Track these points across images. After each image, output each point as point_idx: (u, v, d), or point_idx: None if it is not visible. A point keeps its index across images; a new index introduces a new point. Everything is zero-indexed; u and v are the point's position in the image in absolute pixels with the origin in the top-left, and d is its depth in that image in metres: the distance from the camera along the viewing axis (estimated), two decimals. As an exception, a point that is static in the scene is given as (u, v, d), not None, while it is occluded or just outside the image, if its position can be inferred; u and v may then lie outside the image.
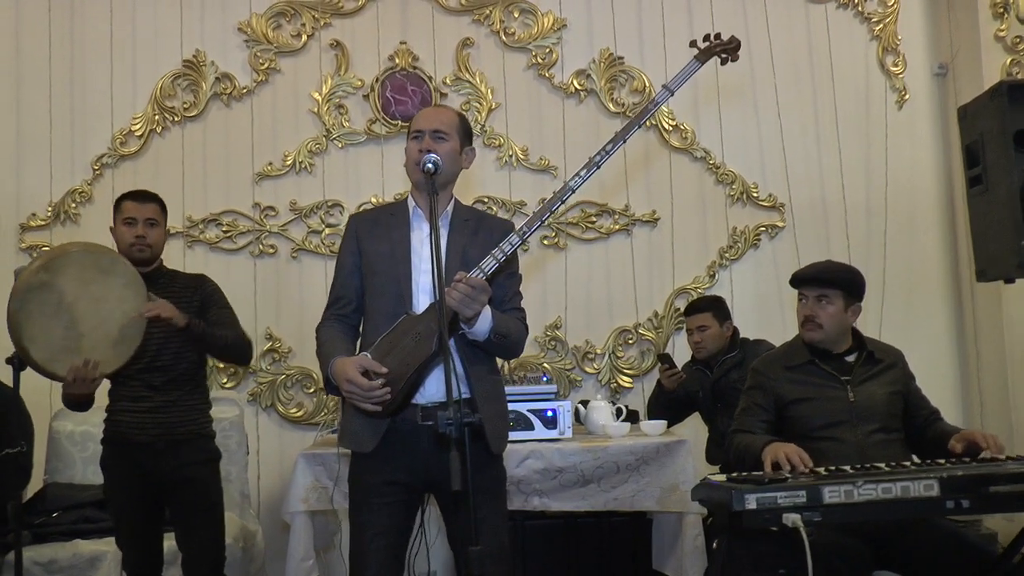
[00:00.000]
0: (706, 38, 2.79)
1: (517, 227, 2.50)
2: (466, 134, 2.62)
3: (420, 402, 2.43)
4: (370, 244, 2.55)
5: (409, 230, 2.55)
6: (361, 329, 2.60)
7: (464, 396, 2.43)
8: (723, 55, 2.80)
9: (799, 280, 3.06)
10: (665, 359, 4.14)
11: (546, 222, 4.49)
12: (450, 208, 2.58)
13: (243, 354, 3.23)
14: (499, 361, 3.96)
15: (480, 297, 2.33)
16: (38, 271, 2.72)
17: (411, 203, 2.60)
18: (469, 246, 2.52)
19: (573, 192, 2.54)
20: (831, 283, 3.00)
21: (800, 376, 2.99)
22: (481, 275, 2.36)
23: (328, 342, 2.52)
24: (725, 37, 2.81)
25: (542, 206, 2.51)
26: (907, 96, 4.88)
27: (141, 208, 3.14)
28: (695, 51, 2.76)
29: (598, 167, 2.55)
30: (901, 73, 4.89)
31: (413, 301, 2.46)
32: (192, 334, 3.00)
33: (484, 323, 2.38)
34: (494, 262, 2.40)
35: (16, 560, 2.94)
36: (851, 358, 3.03)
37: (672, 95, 2.67)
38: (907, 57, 4.90)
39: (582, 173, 2.53)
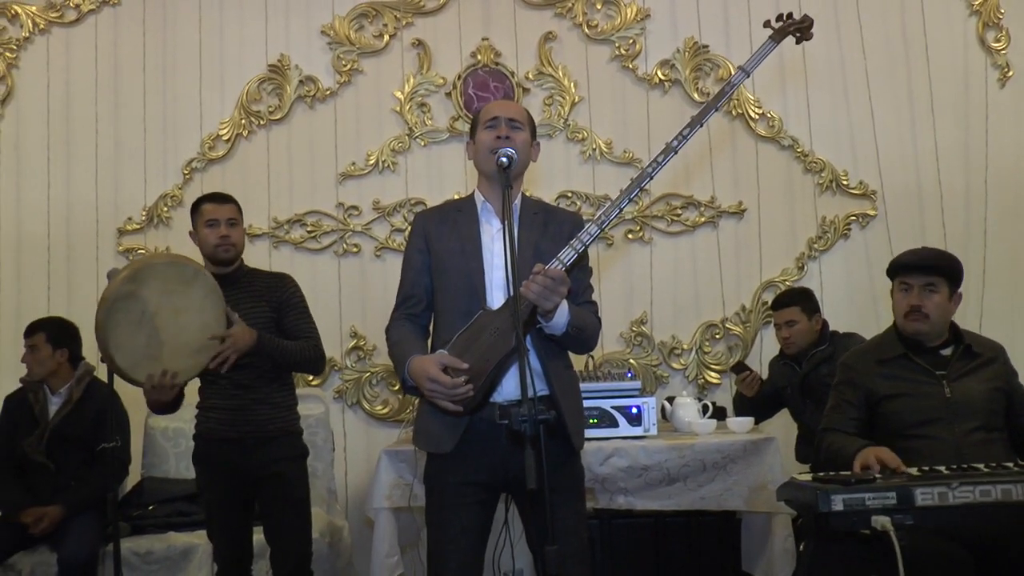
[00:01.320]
0: (779, 18, 2.74)
1: (593, 217, 2.46)
2: (533, 128, 2.61)
3: (498, 400, 2.40)
4: (439, 242, 2.53)
5: (478, 225, 2.52)
6: (432, 328, 2.59)
7: (542, 392, 2.40)
8: (797, 34, 2.74)
9: (903, 267, 2.91)
10: (739, 368, 4.04)
11: (626, 212, 4.53)
12: (518, 202, 2.54)
13: (313, 367, 3.29)
14: (582, 358, 3.99)
15: (560, 289, 2.29)
16: (124, 281, 2.81)
17: (479, 198, 2.57)
18: (540, 240, 2.48)
19: (651, 179, 2.49)
20: (938, 270, 2.86)
21: (893, 371, 2.86)
22: (560, 267, 2.33)
23: (401, 342, 2.51)
24: (798, 17, 2.75)
25: (620, 194, 2.45)
26: (1010, 73, 4.63)
27: (221, 209, 3.21)
28: (770, 31, 2.71)
29: (675, 152, 2.48)
30: (1004, 49, 4.65)
31: (487, 297, 2.43)
32: (261, 353, 3.06)
33: (562, 316, 2.34)
34: (573, 253, 2.36)
35: (115, 551, 3.05)
36: (947, 351, 2.87)
37: (748, 76, 2.63)
38: (1011, 31, 4.66)
39: (659, 159, 2.47)
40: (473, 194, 2.61)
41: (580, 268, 2.52)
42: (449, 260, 2.50)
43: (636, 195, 2.51)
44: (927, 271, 2.86)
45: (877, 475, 2.42)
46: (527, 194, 2.69)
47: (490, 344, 2.33)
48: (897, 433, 2.77)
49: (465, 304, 2.43)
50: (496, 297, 2.43)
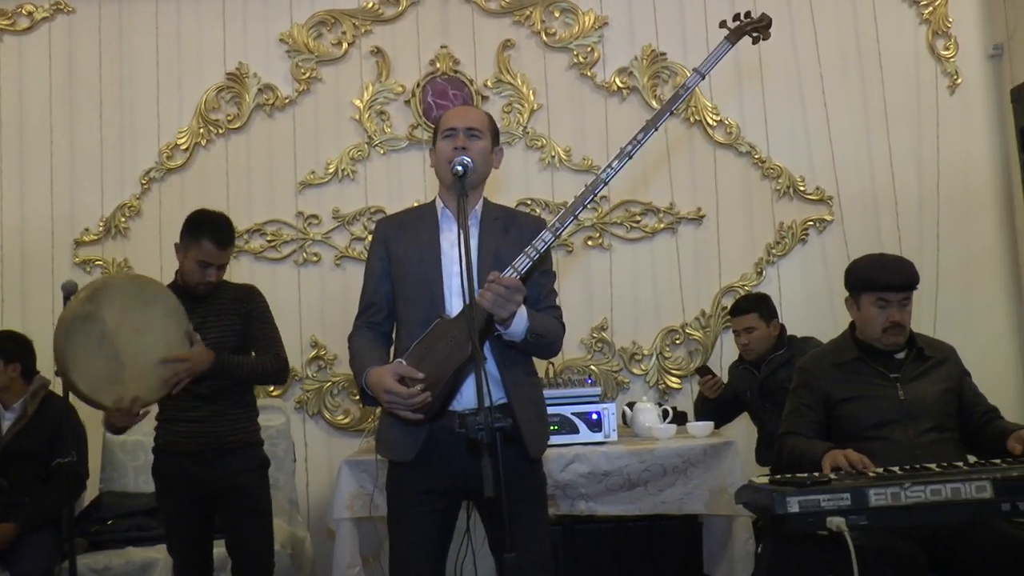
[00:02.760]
0: (736, 17, 2.71)
1: (549, 223, 2.45)
2: (495, 134, 2.59)
3: (457, 409, 2.39)
4: (399, 248, 2.52)
5: (439, 232, 2.51)
6: (395, 336, 2.58)
7: (500, 400, 2.38)
8: (754, 34, 2.71)
9: (888, 287, 2.87)
10: (703, 371, 4.08)
11: (586, 219, 4.55)
12: (479, 207, 2.54)
13: (274, 379, 3.28)
14: (543, 364, 4.00)
15: (515, 297, 2.28)
16: (83, 302, 2.76)
17: (439, 204, 2.56)
18: (501, 245, 2.47)
19: (606, 184, 2.48)
20: (914, 285, 2.90)
21: (848, 374, 2.90)
22: (515, 274, 2.32)
23: (361, 352, 2.49)
24: (756, 15, 2.71)
25: (575, 200, 2.45)
26: (959, 80, 4.73)
27: (219, 254, 3.11)
28: (725, 32, 2.68)
29: (630, 157, 2.48)
30: (952, 57, 4.74)
31: (446, 304, 2.42)
32: (219, 374, 3.01)
33: (520, 323, 2.33)
34: (527, 260, 2.35)
35: (70, 568, 3.01)
36: (901, 355, 2.92)
37: (703, 78, 2.61)
38: (959, 40, 4.75)
39: (614, 164, 2.46)
40: (434, 201, 2.60)
41: (542, 273, 2.52)
42: (409, 267, 2.49)
43: (591, 201, 2.51)
44: (909, 288, 2.89)
45: (832, 476, 2.45)
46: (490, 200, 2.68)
47: (447, 353, 2.32)
48: (853, 435, 2.81)
49: (424, 312, 2.42)
50: (455, 304, 2.42)
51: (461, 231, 2.25)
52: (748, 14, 2.72)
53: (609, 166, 2.47)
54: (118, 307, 2.80)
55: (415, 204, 4.54)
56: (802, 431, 2.89)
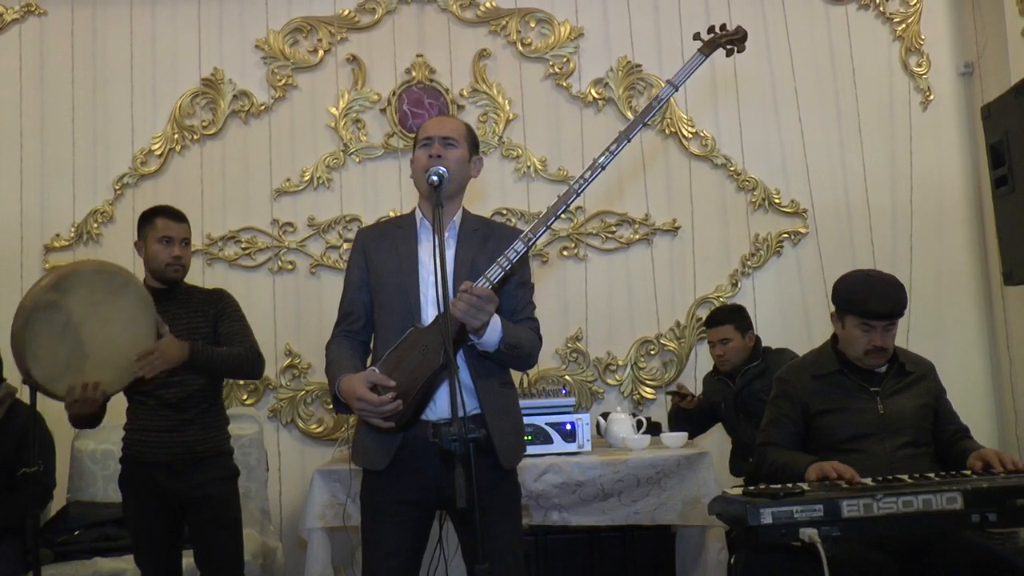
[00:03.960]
0: (710, 29, 2.71)
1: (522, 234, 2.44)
2: (473, 143, 2.59)
3: (431, 418, 2.38)
4: (378, 258, 2.52)
5: (416, 242, 2.51)
6: (372, 345, 2.57)
7: (473, 411, 2.37)
8: (728, 46, 2.71)
9: (875, 315, 2.84)
10: (676, 395, 4.09)
11: (561, 229, 4.56)
12: (458, 218, 2.54)
13: (251, 370, 3.17)
14: (517, 375, 3.99)
15: (486, 307, 2.27)
16: (47, 289, 2.69)
17: (418, 215, 2.56)
18: (478, 256, 2.47)
19: (578, 195, 2.48)
20: (901, 313, 2.89)
21: (828, 386, 2.91)
22: (487, 284, 2.32)
23: (336, 360, 2.48)
24: (732, 29, 2.72)
25: (547, 210, 2.45)
26: (931, 97, 4.79)
27: (177, 227, 3.13)
28: (699, 44, 2.68)
29: (603, 168, 2.48)
30: (925, 74, 4.81)
31: (422, 314, 2.42)
32: (194, 364, 2.96)
33: (493, 334, 2.33)
34: (499, 270, 2.35)
35: (35, 579, 2.95)
36: (881, 369, 2.94)
37: (676, 90, 2.60)
38: (931, 57, 4.82)
39: (587, 175, 2.46)
40: (414, 211, 2.60)
41: (519, 284, 2.52)
42: (386, 277, 2.49)
43: (564, 212, 2.51)
44: (893, 317, 2.87)
45: (806, 487, 2.46)
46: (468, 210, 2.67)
47: (419, 361, 2.31)
48: (831, 447, 2.82)
49: (400, 321, 2.42)
50: (430, 314, 2.41)
51: (437, 239, 2.24)
52: (724, 27, 2.72)
53: (582, 177, 2.46)
54: (85, 297, 2.73)
55: (391, 214, 4.58)
56: (781, 441, 2.89)
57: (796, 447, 2.88)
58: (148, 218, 3.15)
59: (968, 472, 2.60)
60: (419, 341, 2.34)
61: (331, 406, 4.44)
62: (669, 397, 4.19)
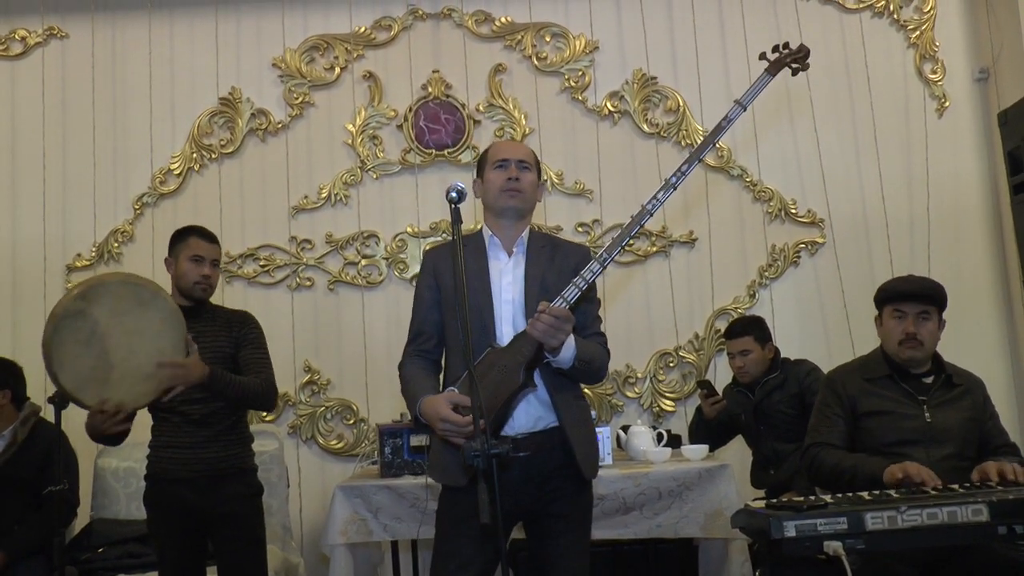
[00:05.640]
0: (775, 49, 2.75)
1: (596, 252, 2.51)
2: (539, 168, 2.67)
3: (509, 434, 2.43)
4: (448, 278, 2.54)
5: (487, 260, 2.55)
6: (444, 363, 2.60)
7: (552, 424, 2.46)
8: (794, 65, 2.75)
9: (899, 295, 2.96)
10: (705, 385, 4.07)
11: (572, 242, 4.53)
12: (526, 235, 2.59)
13: (263, 403, 3.18)
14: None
15: (565, 327, 2.33)
16: (75, 299, 2.73)
17: (487, 233, 2.60)
18: (547, 273, 2.52)
19: (651, 215, 2.52)
20: (931, 299, 2.93)
21: (878, 389, 2.92)
22: (565, 304, 2.36)
23: (412, 380, 2.52)
24: (794, 46, 2.75)
25: (621, 231, 2.49)
26: (947, 104, 4.78)
27: (209, 248, 3.18)
28: (765, 63, 2.71)
29: (675, 188, 2.54)
30: (940, 80, 4.80)
31: (496, 331, 2.46)
32: (211, 388, 2.97)
33: (568, 351, 2.38)
34: (576, 290, 2.40)
35: (61, 597, 2.97)
36: (929, 380, 2.94)
37: (745, 110, 2.63)
38: (946, 64, 4.81)
39: (659, 196, 2.51)
40: (481, 229, 2.63)
41: (588, 301, 2.56)
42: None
43: (637, 232, 2.54)
44: (922, 299, 2.92)
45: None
46: (536, 228, 2.72)
47: (498, 382, 2.37)
48: (874, 450, 2.82)
49: (474, 339, 2.42)
50: (504, 331, 2.46)
51: (453, 259, 2.27)
52: (787, 45, 2.75)
53: (654, 198, 2.51)
54: (111, 307, 2.76)
55: (409, 229, 4.62)
56: (833, 441, 2.89)
57: (846, 447, 2.89)
58: (182, 236, 3.20)
59: (993, 484, 2.58)
60: (498, 361, 2.39)
61: (351, 421, 4.51)
62: (698, 390, 4.15)
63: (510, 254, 2.55)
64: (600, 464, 3.46)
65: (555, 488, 2.46)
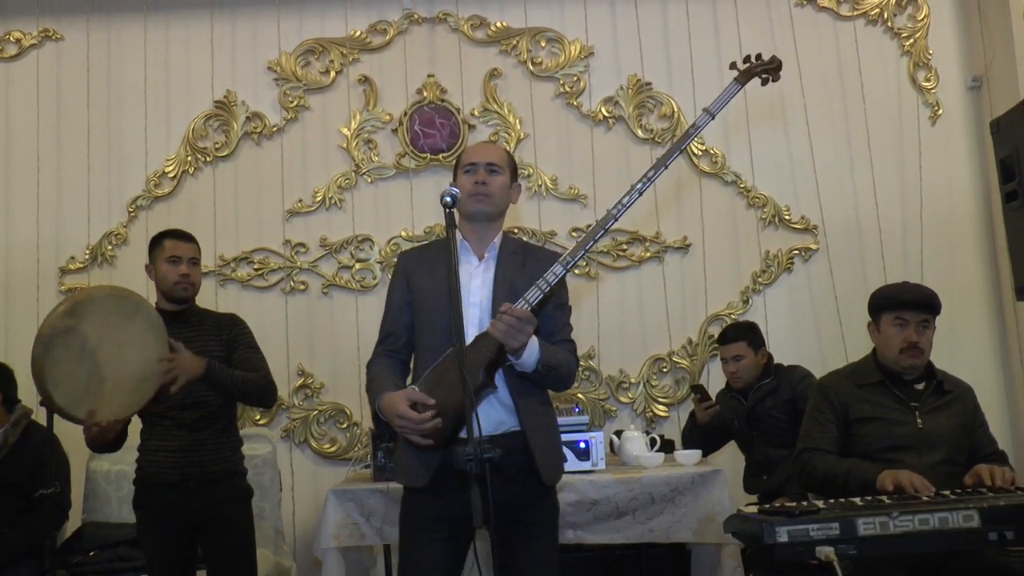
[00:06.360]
0: (746, 59, 2.76)
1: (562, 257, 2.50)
2: (514, 170, 2.66)
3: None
4: (419, 280, 2.57)
5: (457, 264, 2.55)
6: (413, 365, 2.60)
7: (513, 429, 2.45)
8: (764, 75, 2.77)
9: (901, 303, 2.95)
10: (699, 389, 4.07)
11: (564, 247, 4.56)
12: (498, 240, 2.59)
13: (264, 397, 3.19)
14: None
15: (525, 328, 2.32)
16: (63, 316, 2.73)
17: (459, 237, 2.59)
18: (517, 279, 2.51)
19: (616, 220, 2.53)
20: (932, 308, 2.95)
21: (870, 395, 2.93)
22: (526, 306, 2.36)
23: (376, 378, 2.53)
24: (766, 57, 2.77)
25: (585, 235, 2.50)
26: (940, 111, 4.80)
27: (184, 247, 3.19)
28: (735, 73, 2.73)
29: (640, 194, 2.53)
30: (933, 88, 4.82)
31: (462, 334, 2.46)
32: (209, 381, 2.99)
33: (531, 355, 2.37)
34: (539, 293, 2.40)
35: (52, 600, 2.97)
36: (920, 386, 2.96)
37: (713, 118, 2.64)
38: (939, 71, 4.83)
39: (624, 200, 2.51)
40: (456, 233, 2.63)
41: (557, 307, 2.56)
42: (427, 298, 2.53)
43: (600, 236, 2.54)
44: (924, 308, 2.93)
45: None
46: (509, 233, 2.72)
47: (457, 381, 2.33)
48: (866, 455, 2.83)
49: (440, 341, 2.45)
50: (470, 334, 2.44)
51: (451, 263, 2.27)
52: (759, 56, 2.77)
53: (620, 203, 2.51)
54: (100, 321, 2.78)
55: (403, 233, 4.62)
56: (825, 446, 2.90)
57: (837, 453, 2.89)
58: (157, 241, 3.22)
59: (984, 490, 2.59)
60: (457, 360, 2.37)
61: (344, 425, 4.51)
62: (692, 394, 4.16)
63: (481, 258, 2.55)
64: (593, 469, 3.53)
65: (517, 494, 2.43)
